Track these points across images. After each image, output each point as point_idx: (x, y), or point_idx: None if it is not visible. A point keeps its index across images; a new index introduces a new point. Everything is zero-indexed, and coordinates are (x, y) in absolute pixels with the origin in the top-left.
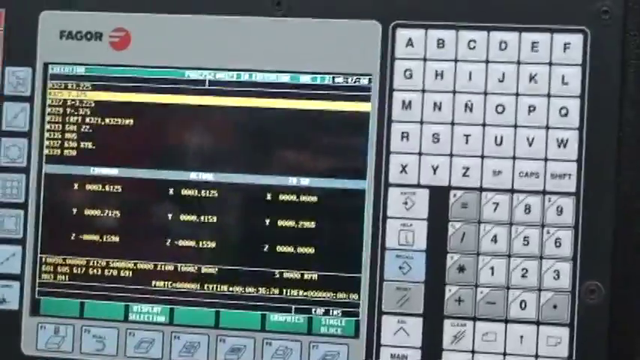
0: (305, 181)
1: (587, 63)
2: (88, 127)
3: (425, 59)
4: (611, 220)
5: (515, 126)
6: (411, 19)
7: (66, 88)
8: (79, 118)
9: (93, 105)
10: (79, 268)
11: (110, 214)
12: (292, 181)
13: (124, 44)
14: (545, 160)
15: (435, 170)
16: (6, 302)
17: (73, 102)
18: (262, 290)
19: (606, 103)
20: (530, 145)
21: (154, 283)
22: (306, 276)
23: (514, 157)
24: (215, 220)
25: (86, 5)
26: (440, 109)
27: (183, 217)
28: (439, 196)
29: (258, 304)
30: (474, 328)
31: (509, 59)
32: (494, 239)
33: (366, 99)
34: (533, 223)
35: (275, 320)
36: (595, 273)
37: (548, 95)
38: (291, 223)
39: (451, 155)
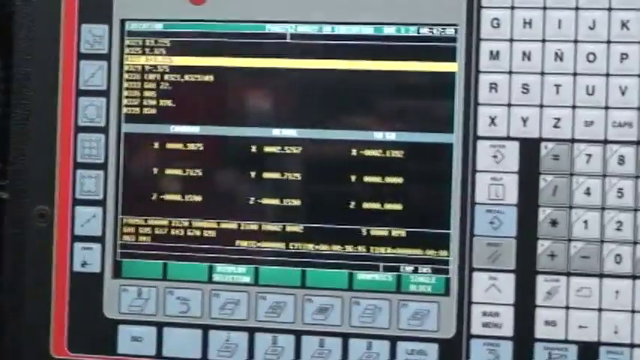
0: (391, 136)
1: None
2: (167, 84)
3: (512, 7)
4: None
5: (607, 75)
6: None
7: (143, 45)
8: (158, 75)
9: (171, 62)
10: (161, 229)
11: (192, 173)
12: (378, 136)
13: None
14: (639, 109)
15: (524, 122)
16: (87, 265)
17: (150, 59)
18: (349, 248)
19: None
20: (622, 94)
21: (237, 242)
22: (393, 233)
23: (606, 107)
24: (299, 178)
25: None
26: (529, 58)
27: (266, 175)
28: (529, 149)
29: (344, 262)
30: (567, 283)
31: (601, 5)
32: (588, 192)
33: (452, 50)
34: (628, 175)
35: (362, 279)
36: None
37: None
38: (377, 179)
39: (541, 106)
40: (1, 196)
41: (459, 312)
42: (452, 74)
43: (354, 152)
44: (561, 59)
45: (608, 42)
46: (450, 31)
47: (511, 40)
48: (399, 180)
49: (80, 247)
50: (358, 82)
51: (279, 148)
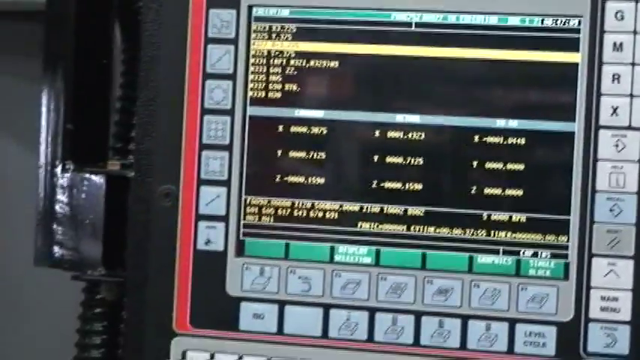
0: (513, 124)
1: None
2: (292, 69)
3: (637, 0)
4: None
5: None
6: None
7: (270, 30)
8: (284, 60)
9: (297, 47)
10: (284, 210)
11: (315, 156)
12: (500, 123)
13: None
14: None
15: None
16: (211, 243)
17: (277, 45)
18: (469, 232)
19: None
20: None
21: (359, 224)
22: (514, 218)
23: None
24: (421, 163)
25: None
26: None
27: (389, 160)
28: None
29: (465, 245)
30: None
31: None
32: None
33: (576, 41)
34: None
35: (482, 262)
36: None
37: None
38: (499, 166)
39: None
40: (126, 175)
41: (577, 296)
42: (575, 65)
43: (476, 139)
44: None
45: None
46: (573, 22)
47: (635, 33)
48: (521, 167)
49: (204, 226)
50: (481, 71)
51: (402, 133)
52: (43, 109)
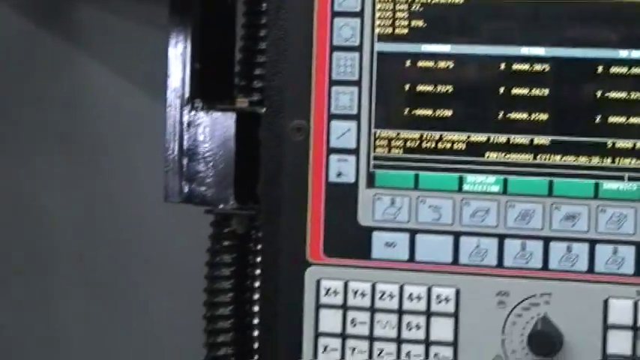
0: (636, 54)
1: None
2: (418, 5)
3: None
4: None
5: None
6: None
7: None
8: None
9: None
10: (413, 142)
11: (442, 90)
12: (623, 54)
13: None
14: None
15: None
16: (342, 175)
17: None
18: (595, 160)
19: None
20: None
21: (487, 154)
22: (638, 145)
23: None
24: (547, 93)
25: None
26: None
27: (514, 91)
28: None
29: (590, 172)
30: None
31: None
32: None
33: None
34: None
35: (608, 188)
36: None
37: None
38: (622, 95)
39: None
40: (256, 112)
41: None
42: None
43: (599, 69)
44: None
45: None
46: None
47: None
48: None
49: (335, 159)
50: (605, 2)
51: (528, 65)
52: (171, 49)
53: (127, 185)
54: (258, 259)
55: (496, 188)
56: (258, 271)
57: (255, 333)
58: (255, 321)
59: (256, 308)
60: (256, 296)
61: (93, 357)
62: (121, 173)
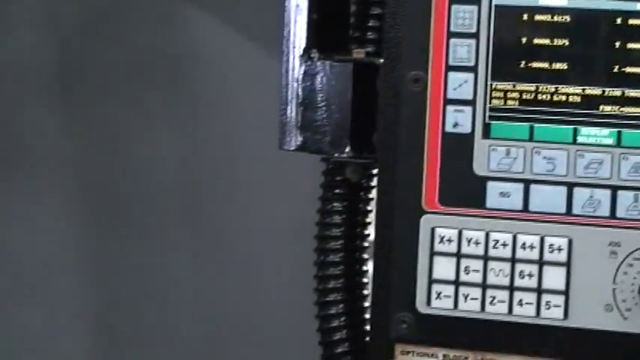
0: None
1: None
2: None
3: None
4: None
5: None
6: None
7: None
8: None
9: None
10: (528, 94)
11: (558, 43)
12: None
13: None
14: None
15: None
16: (459, 126)
17: None
18: None
19: None
20: None
21: (601, 107)
22: None
23: None
24: None
25: None
26: None
27: (630, 46)
28: None
29: None
30: None
31: None
32: None
33: None
34: None
35: None
36: None
37: None
38: None
39: None
40: (374, 62)
41: None
42: None
43: None
44: None
45: None
46: None
47: None
48: None
49: (452, 110)
50: None
51: None
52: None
53: (232, 136)
54: (370, 208)
55: (610, 141)
56: (368, 220)
57: (364, 280)
58: (365, 268)
59: (366, 256)
60: (366, 244)
61: (197, 305)
62: (227, 124)
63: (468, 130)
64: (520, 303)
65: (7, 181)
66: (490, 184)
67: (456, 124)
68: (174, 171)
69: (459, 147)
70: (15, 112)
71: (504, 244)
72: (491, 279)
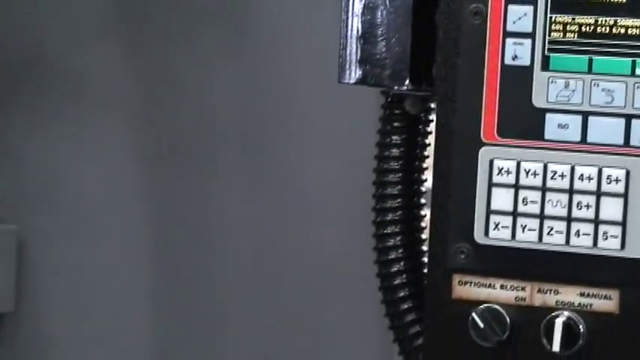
0: None
1: None
2: None
3: None
4: None
5: None
6: None
7: None
8: None
9: None
10: (588, 27)
11: None
12: None
13: None
14: None
15: None
16: (518, 59)
17: None
18: None
19: None
20: None
21: None
22: None
23: None
24: None
25: None
26: None
27: None
28: None
29: None
30: None
31: None
32: None
33: None
34: None
35: None
36: None
37: None
38: None
39: None
40: None
41: None
42: None
43: None
44: None
45: None
46: None
47: None
48: None
49: (511, 42)
50: None
51: None
52: None
53: (291, 72)
54: (428, 141)
55: None
56: (427, 153)
57: (422, 212)
58: (423, 201)
59: (424, 189)
60: (424, 177)
61: (252, 246)
62: (286, 60)
63: (527, 62)
64: (577, 234)
65: (72, 121)
66: (548, 116)
67: (515, 57)
68: (234, 109)
69: (518, 79)
70: (80, 53)
71: (562, 176)
72: (549, 210)
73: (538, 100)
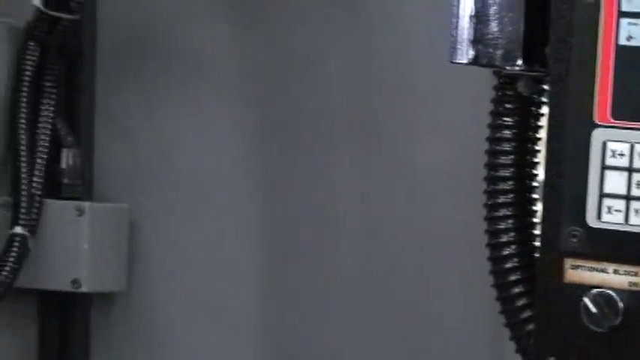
0: None
1: None
2: None
3: None
4: None
5: None
6: None
7: None
8: None
9: None
10: None
11: None
12: None
13: None
14: None
15: None
16: (633, 39)
17: None
18: None
19: None
20: None
21: None
22: None
23: None
24: None
25: None
26: None
27: None
28: None
29: None
30: None
31: None
32: None
33: None
34: None
35: None
36: None
37: None
38: None
39: None
40: None
41: None
42: None
43: None
44: None
45: None
46: None
47: None
48: None
49: (626, 23)
50: None
51: None
52: None
53: (403, 50)
54: (540, 123)
55: None
56: (539, 135)
57: (534, 195)
58: (535, 184)
59: (535, 171)
60: (536, 159)
61: (364, 220)
62: (398, 37)
63: None
64: None
65: (187, 100)
66: None
67: (629, 37)
68: (347, 89)
69: (632, 60)
70: (196, 31)
71: None
72: None
73: None
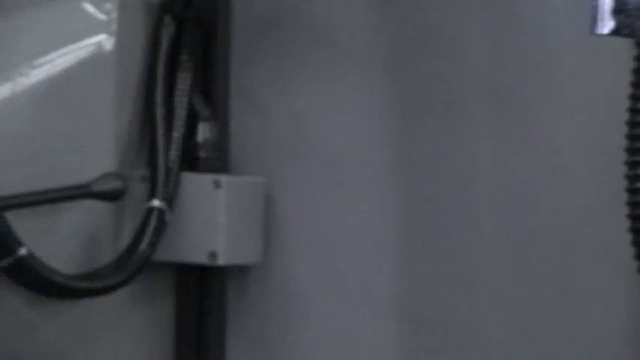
0: None
1: None
2: None
3: None
4: None
5: None
6: None
7: None
8: None
9: None
10: None
11: None
12: None
13: None
14: None
15: None
16: None
17: None
18: None
19: None
20: None
21: None
22: None
23: None
24: None
25: None
26: None
27: None
28: None
29: None
30: None
31: None
32: None
33: None
34: None
35: None
36: None
37: None
38: None
39: None
40: None
41: None
42: None
43: None
44: None
45: None
46: None
47: None
48: None
49: None
50: None
51: None
52: None
53: (543, 20)
54: None
55: None
56: None
57: None
58: None
59: None
60: None
61: (503, 195)
62: (537, 13)
63: None
64: None
65: (321, 74)
66: None
67: None
68: (486, 62)
69: None
70: (330, 5)
71: None
72: None
73: None
